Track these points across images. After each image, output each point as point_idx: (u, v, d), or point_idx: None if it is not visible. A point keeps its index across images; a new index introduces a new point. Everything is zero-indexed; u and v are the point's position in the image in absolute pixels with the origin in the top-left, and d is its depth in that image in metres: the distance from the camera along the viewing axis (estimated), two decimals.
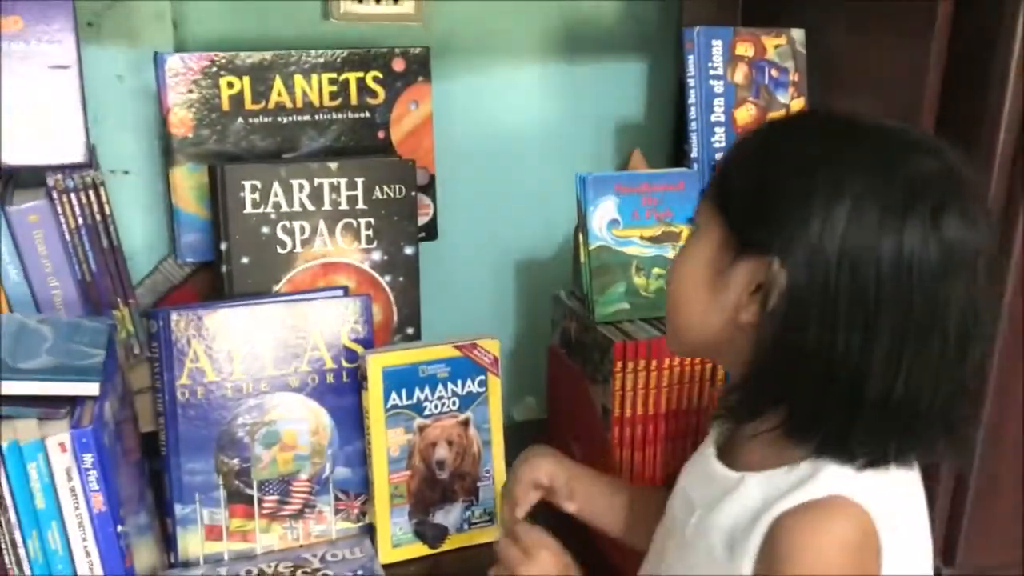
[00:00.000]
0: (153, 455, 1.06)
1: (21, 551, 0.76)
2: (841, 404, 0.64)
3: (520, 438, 1.31)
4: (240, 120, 1.15)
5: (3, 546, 0.76)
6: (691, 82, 1.17)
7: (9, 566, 0.76)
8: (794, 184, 0.65)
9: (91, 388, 0.79)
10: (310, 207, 1.13)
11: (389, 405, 1.08)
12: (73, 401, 0.80)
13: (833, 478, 0.66)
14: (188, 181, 1.15)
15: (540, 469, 0.93)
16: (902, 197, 0.62)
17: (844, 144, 0.66)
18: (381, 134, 1.21)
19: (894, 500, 0.67)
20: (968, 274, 0.63)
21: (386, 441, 1.09)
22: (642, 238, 1.12)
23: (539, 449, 0.96)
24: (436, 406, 1.11)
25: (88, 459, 0.76)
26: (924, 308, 0.62)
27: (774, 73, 1.20)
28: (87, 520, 0.77)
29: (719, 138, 1.19)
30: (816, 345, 0.63)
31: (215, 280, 1.15)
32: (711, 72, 1.17)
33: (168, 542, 1.06)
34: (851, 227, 0.62)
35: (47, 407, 0.79)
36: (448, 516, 1.13)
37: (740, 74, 1.19)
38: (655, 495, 0.89)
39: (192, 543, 1.07)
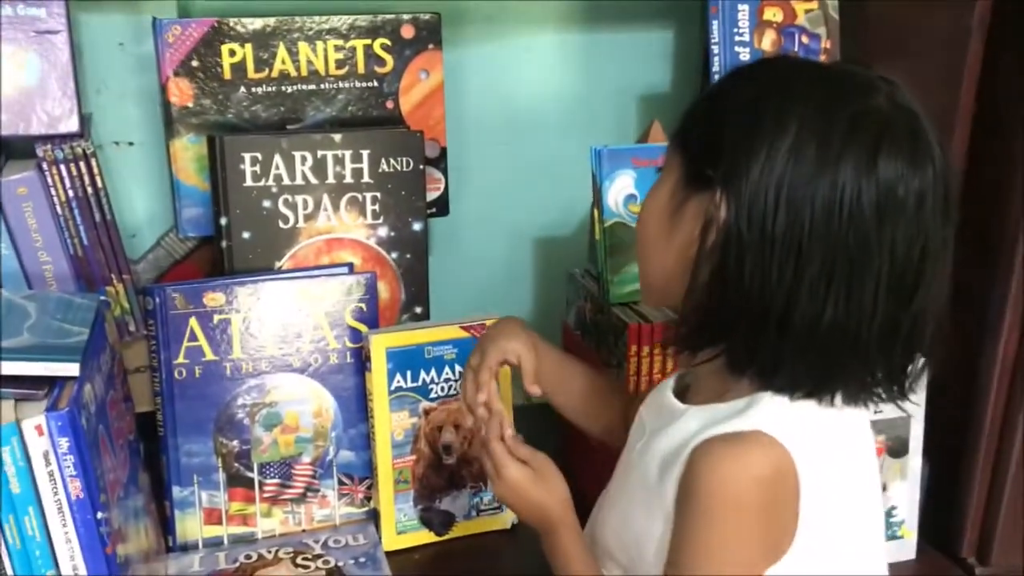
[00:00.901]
0: (151, 436, 1.03)
1: None
2: (772, 335, 0.64)
3: (537, 420, 1.27)
4: (242, 89, 1.10)
5: None
6: (715, 49, 1.11)
7: None
8: (741, 120, 0.65)
9: (70, 368, 0.75)
10: (313, 180, 1.08)
11: (393, 387, 1.04)
12: (53, 382, 0.76)
13: (761, 415, 0.67)
14: (188, 153, 1.11)
15: (509, 351, 0.88)
16: (841, 135, 0.62)
17: (793, 83, 0.66)
18: (390, 104, 1.16)
19: (825, 441, 0.68)
20: (908, 215, 0.63)
21: (390, 424, 1.05)
22: None
23: (508, 327, 0.91)
24: (443, 389, 1.06)
25: (64, 443, 0.72)
26: (857, 245, 0.62)
27: (804, 40, 1.13)
28: (66, 506, 0.74)
29: None
30: (749, 277, 0.64)
31: (217, 255, 1.11)
32: (737, 39, 1.11)
33: (166, 525, 1.03)
34: (790, 163, 0.62)
35: (27, 388, 0.76)
36: (455, 502, 1.08)
37: (768, 41, 1.12)
38: (619, 387, 0.95)
39: (190, 526, 1.04)
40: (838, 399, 0.68)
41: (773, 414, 0.67)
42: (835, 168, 0.62)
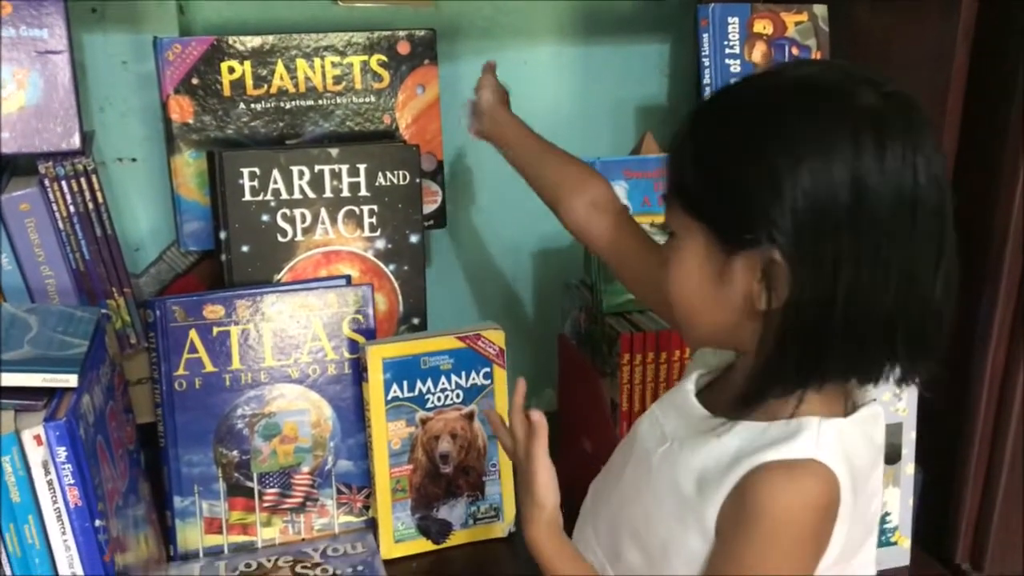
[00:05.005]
0: (152, 447, 1.05)
1: None
2: (838, 348, 0.65)
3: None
4: (242, 106, 1.12)
5: None
6: (706, 62, 1.12)
7: None
8: (752, 171, 0.64)
9: (68, 379, 0.77)
10: (311, 194, 1.10)
11: (390, 397, 1.06)
12: (53, 393, 0.78)
13: (813, 442, 0.67)
14: (190, 169, 1.13)
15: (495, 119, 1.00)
16: (849, 145, 0.63)
17: (780, 108, 0.65)
18: (387, 119, 1.18)
19: (860, 462, 0.69)
20: (932, 198, 0.64)
21: (387, 434, 1.06)
22: (653, 225, 1.07)
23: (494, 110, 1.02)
24: (439, 399, 1.08)
25: (63, 452, 0.74)
26: (894, 235, 0.63)
27: (795, 51, 1.14)
28: (65, 514, 0.76)
29: None
30: (819, 304, 0.64)
31: (218, 269, 1.13)
32: (727, 51, 1.12)
33: (167, 535, 1.05)
34: (819, 187, 0.62)
35: (27, 399, 0.78)
36: (452, 511, 1.10)
37: (758, 53, 1.13)
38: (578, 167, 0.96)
39: (191, 536, 1.05)
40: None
41: (824, 441, 0.67)
42: (854, 177, 0.62)
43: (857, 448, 0.70)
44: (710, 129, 0.70)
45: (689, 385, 0.78)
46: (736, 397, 0.71)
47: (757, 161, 0.64)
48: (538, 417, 0.80)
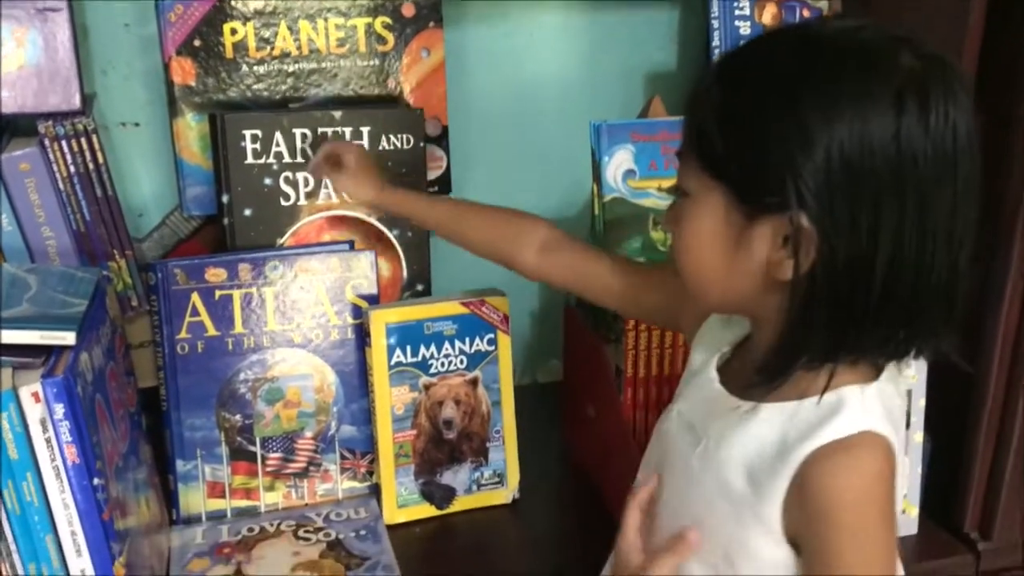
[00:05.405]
0: (155, 411, 1.04)
1: None
2: (870, 319, 0.63)
3: (541, 401, 1.28)
4: (244, 68, 1.11)
5: None
6: (715, 24, 1.11)
7: None
8: (783, 125, 0.60)
9: (66, 337, 0.77)
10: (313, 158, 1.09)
11: (393, 362, 1.05)
12: (51, 351, 0.78)
13: (859, 412, 0.64)
14: (192, 132, 1.12)
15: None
16: (890, 106, 0.59)
17: (820, 62, 0.61)
18: (391, 82, 1.16)
19: (897, 414, 0.68)
20: (969, 155, 0.62)
21: (390, 399, 1.05)
22: (660, 189, 1.06)
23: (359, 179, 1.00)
24: (443, 364, 1.07)
25: (60, 409, 0.74)
26: (936, 197, 0.61)
27: (805, 13, 1.12)
28: (63, 472, 0.75)
29: None
30: (852, 275, 0.61)
31: (221, 234, 1.12)
32: (737, 13, 1.10)
33: (170, 498, 1.04)
34: (857, 147, 0.59)
35: (26, 356, 0.77)
36: (456, 477, 1.09)
37: (768, 15, 1.11)
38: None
39: (194, 500, 1.05)
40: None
41: (869, 407, 0.65)
42: (897, 137, 0.59)
43: (894, 405, 0.68)
44: (739, 76, 0.65)
45: (712, 372, 0.74)
46: (757, 374, 0.68)
47: (790, 115, 0.60)
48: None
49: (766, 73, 0.63)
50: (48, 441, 0.75)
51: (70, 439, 0.75)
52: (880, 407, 0.65)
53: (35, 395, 0.74)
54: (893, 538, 0.66)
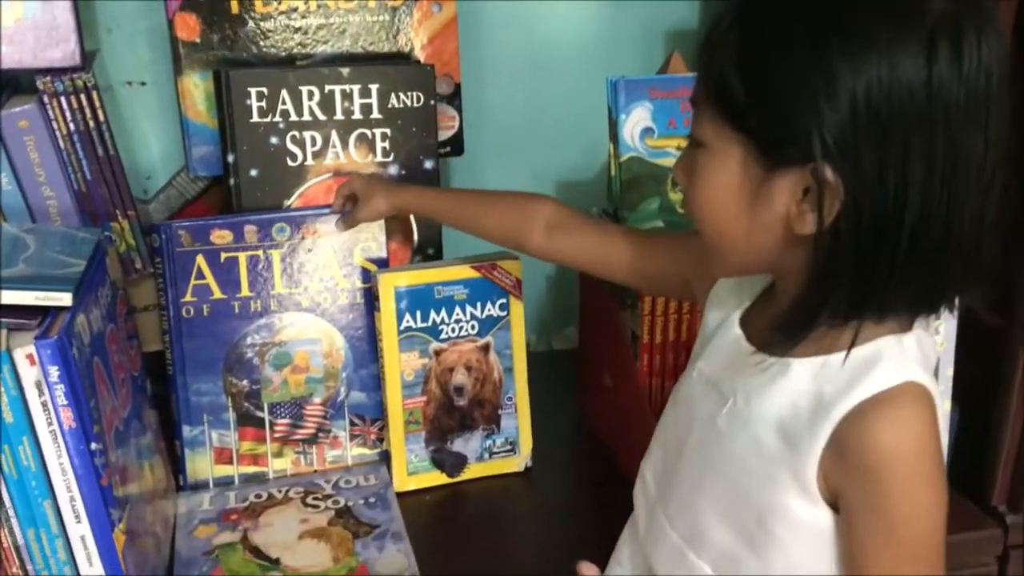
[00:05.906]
0: (160, 376, 1.02)
1: None
2: (899, 271, 0.60)
3: (556, 368, 1.25)
4: (250, 24, 1.08)
5: None
6: None
7: None
8: (808, 71, 0.57)
9: (62, 298, 0.74)
10: (321, 116, 1.06)
11: (403, 327, 1.02)
12: (47, 312, 0.75)
13: (896, 363, 0.62)
14: (198, 91, 1.09)
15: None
16: (920, 50, 0.56)
17: (848, 4, 0.58)
18: (402, 38, 1.12)
19: (933, 362, 0.65)
20: (999, 100, 0.58)
21: (400, 365, 1.03)
22: (679, 149, 1.02)
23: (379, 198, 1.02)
24: (453, 330, 1.04)
25: (55, 372, 0.71)
26: (967, 145, 0.58)
27: None
28: (60, 436, 0.73)
29: None
30: (878, 227, 0.58)
31: (227, 195, 1.09)
32: None
33: (176, 464, 1.03)
34: (886, 94, 0.56)
35: (22, 318, 0.75)
36: (467, 444, 1.07)
37: None
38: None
39: (201, 466, 1.03)
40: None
41: (908, 357, 0.62)
42: (928, 84, 0.56)
43: (930, 353, 0.65)
44: (761, 16, 0.61)
45: (736, 329, 0.71)
46: (778, 329, 0.65)
47: (815, 60, 0.57)
48: None
49: (790, 15, 0.59)
50: (44, 404, 0.73)
51: (66, 403, 0.72)
52: (920, 355, 0.63)
53: (30, 357, 0.72)
54: (945, 485, 0.63)
